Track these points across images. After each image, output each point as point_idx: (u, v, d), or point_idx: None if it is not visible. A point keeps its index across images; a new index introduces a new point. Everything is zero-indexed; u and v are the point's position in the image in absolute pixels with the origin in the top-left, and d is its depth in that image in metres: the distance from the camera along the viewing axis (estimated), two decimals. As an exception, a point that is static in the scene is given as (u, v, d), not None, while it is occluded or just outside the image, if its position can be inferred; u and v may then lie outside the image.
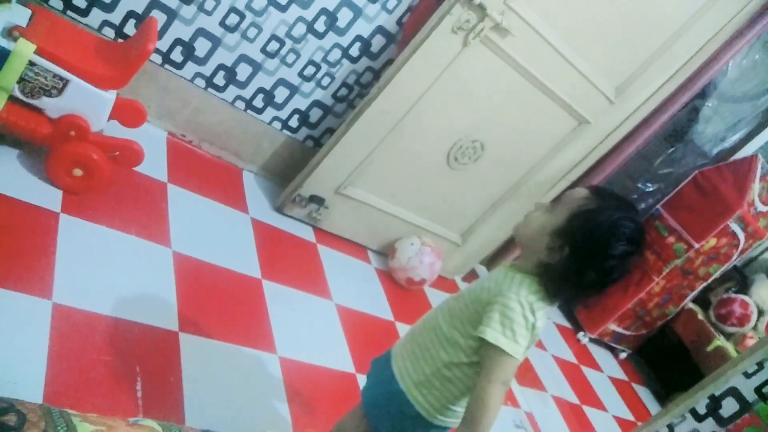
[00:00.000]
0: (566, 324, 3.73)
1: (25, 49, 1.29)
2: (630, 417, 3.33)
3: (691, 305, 3.70)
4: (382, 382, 1.36)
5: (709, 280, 3.54)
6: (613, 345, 3.80)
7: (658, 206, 3.51)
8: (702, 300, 3.76)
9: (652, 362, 4.00)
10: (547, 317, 1.26)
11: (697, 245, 3.30)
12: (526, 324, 1.17)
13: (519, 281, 1.21)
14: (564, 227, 1.19)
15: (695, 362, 3.58)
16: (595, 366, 3.55)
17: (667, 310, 3.66)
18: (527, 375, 2.86)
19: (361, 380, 1.99)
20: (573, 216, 1.19)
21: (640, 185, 3.72)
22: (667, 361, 3.89)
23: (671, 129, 3.61)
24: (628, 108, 2.67)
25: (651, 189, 3.70)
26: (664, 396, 3.76)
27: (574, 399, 3.01)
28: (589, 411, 3.03)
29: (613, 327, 3.62)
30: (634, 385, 3.74)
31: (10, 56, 1.26)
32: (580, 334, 3.66)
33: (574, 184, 3.01)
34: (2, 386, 1.21)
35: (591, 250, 1.16)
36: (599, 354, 3.73)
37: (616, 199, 1.23)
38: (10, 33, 1.40)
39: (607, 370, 3.63)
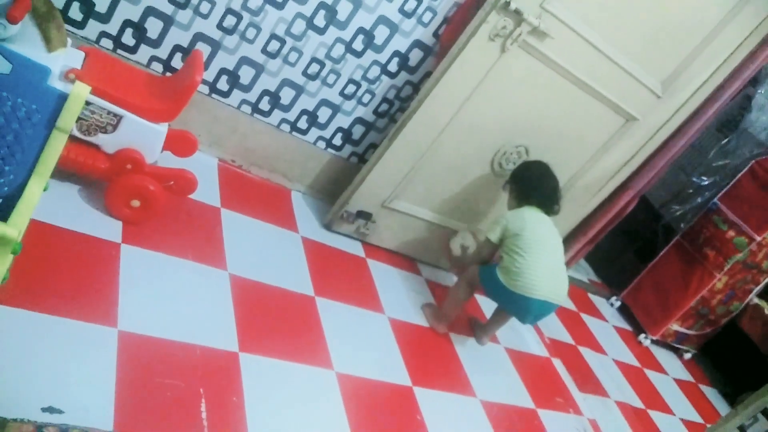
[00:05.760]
0: (626, 326, 3.65)
1: (81, 91, 1.36)
2: (698, 419, 3.22)
3: (757, 300, 3.56)
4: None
5: (775, 273, 3.41)
6: (677, 345, 3.69)
7: (715, 200, 3.41)
8: (769, 294, 3.62)
9: (719, 362, 3.86)
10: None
11: (758, 238, 3.18)
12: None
13: None
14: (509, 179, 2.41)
15: (764, 359, 3.44)
16: (658, 368, 3.45)
17: (731, 306, 3.54)
18: (588, 381, 2.80)
19: (419, 393, 2.00)
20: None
21: (694, 179, 3.62)
22: (734, 360, 3.76)
23: (723, 119, 3.50)
24: (677, 101, 2.61)
25: (706, 182, 3.59)
26: (733, 396, 3.62)
27: (638, 403, 2.93)
28: (655, 415, 2.95)
29: (675, 327, 3.52)
30: (700, 386, 3.62)
31: (68, 99, 1.33)
32: (641, 336, 3.56)
33: (624, 183, 2.96)
34: (75, 413, 1.27)
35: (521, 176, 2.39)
36: (662, 356, 3.63)
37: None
38: (67, 76, 1.47)
39: (671, 372, 3.52)
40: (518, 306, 2.23)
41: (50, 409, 1.25)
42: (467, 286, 2.37)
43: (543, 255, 2.18)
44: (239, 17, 2.03)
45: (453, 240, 2.68)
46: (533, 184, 2.32)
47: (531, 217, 2.24)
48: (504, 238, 2.23)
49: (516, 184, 2.36)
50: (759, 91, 3.31)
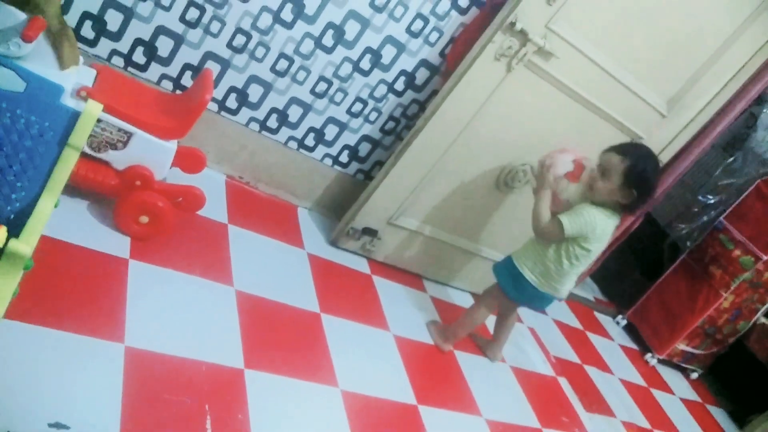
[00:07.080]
0: (632, 345, 3.63)
1: (93, 109, 1.38)
2: (706, 440, 3.19)
3: (764, 319, 3.54)
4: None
5: (782, 293, 3.39)
6: (684, 365, 3.66)
7: (721, 219, 3.40)
8: (776, 314, 3.60)
9: (726, 381, 3.82)
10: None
11: (765, 257, 3.17)
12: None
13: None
14: (626, 182, 1.98)
15: (773, 380, 3.42)
16: (665, 388, 3.43)
17: (738, 325, 3.51)
18: (594, 400, 2.78)
19: (423, 411, 1.99)
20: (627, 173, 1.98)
21: (700, 198, 3.61)
22: (742, 380, 3.72)
23: (729, 138, 3.51)
24: (682, 120, 2.62)
25: (712, 201, 3.59)
26: (741, 417, 3.58)
27: (645, 424, 2.91)
28: (662, 435, 2.93)
29: (682, 346, 3.50)
30: (708, 406, 3.59)
31: (80, 117, 1.35)
32: (648, 356, 3.54)
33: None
34: (82, 429, 1.28)
35: (648, 187, 2.03)
36: (669, 375, 3.60)
37: (633, 148, 2.09)
38: (79, 94, 1.49)
39: (678, 392, 3.49)
40: (536, 301, 2.30)
41: (57, 425, 1.25)
42: (486, 309, 2.37)
43: (585, 265, 2.14)
44: (249, 36, 2.06)
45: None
46: (646, 197, 2.04)
47: (611, 230, 2.07)
48: (573, 236, 2.03)
49: (635, 186, 1.98)
50: (764, 110, 3.32)
